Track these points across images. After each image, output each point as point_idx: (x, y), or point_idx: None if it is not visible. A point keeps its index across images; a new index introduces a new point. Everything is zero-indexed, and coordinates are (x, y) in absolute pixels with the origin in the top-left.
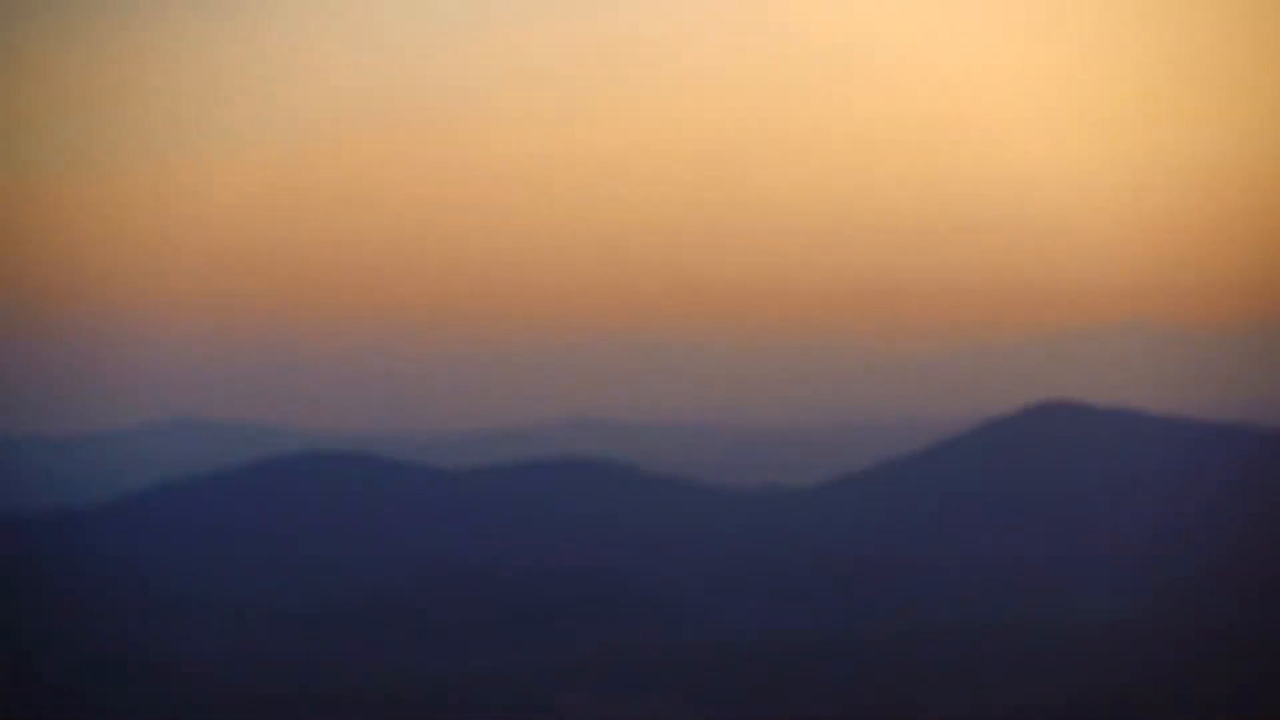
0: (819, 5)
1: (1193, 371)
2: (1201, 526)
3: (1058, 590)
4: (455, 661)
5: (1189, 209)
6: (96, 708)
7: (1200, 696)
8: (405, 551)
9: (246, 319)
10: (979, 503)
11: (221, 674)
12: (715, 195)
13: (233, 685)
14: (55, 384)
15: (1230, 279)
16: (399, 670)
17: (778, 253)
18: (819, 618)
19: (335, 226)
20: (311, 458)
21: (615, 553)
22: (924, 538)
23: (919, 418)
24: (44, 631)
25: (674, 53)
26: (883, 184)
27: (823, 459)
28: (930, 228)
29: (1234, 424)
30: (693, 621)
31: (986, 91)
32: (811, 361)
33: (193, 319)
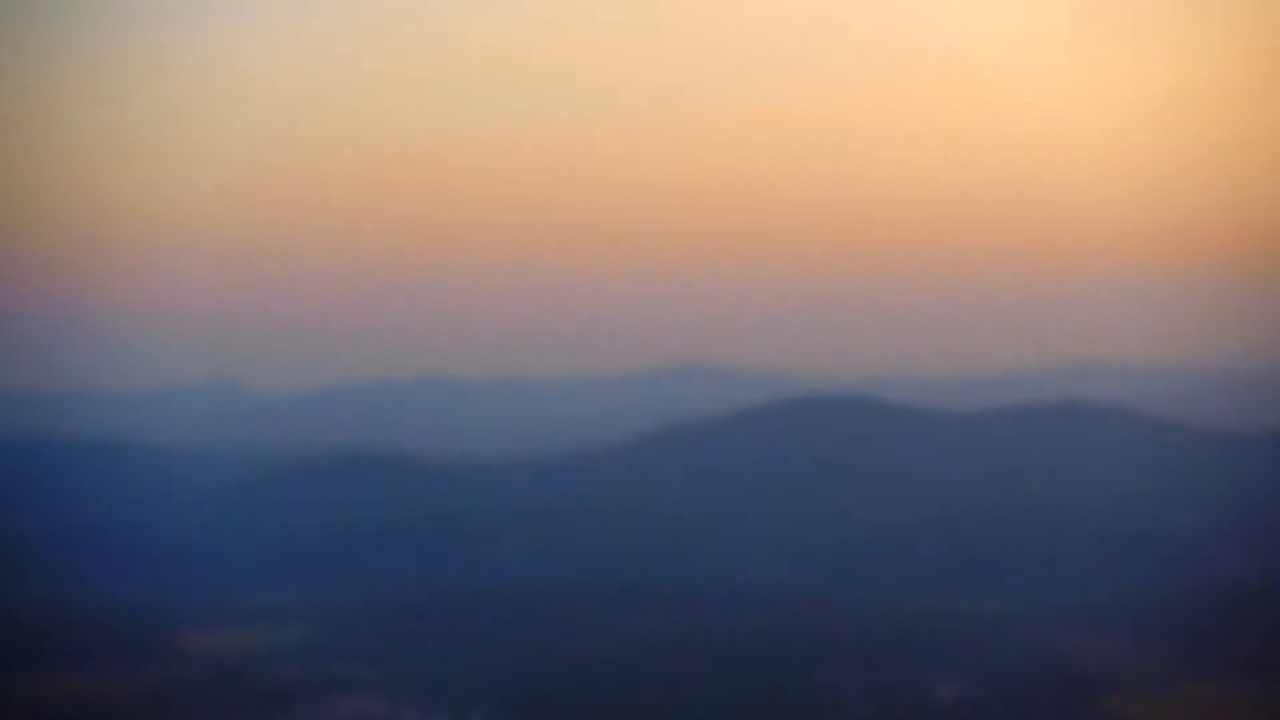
0: None
1: None
2: None
3: None
4: (957, 595)
5: None
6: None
7: None
8: (910, 490)
9: (761, 267)
10: None
11: (727, 605)
12: None
13: (744, 616)
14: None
15: None
16: (900, 608)
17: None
18: None
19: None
20: (815, 402)
21: (1115, 494)
22: None
23: None
24: (555, 564)
25: None
26: None
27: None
28: None
29: None
30: (1196, 564)
31: None
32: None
33: (702, 266)
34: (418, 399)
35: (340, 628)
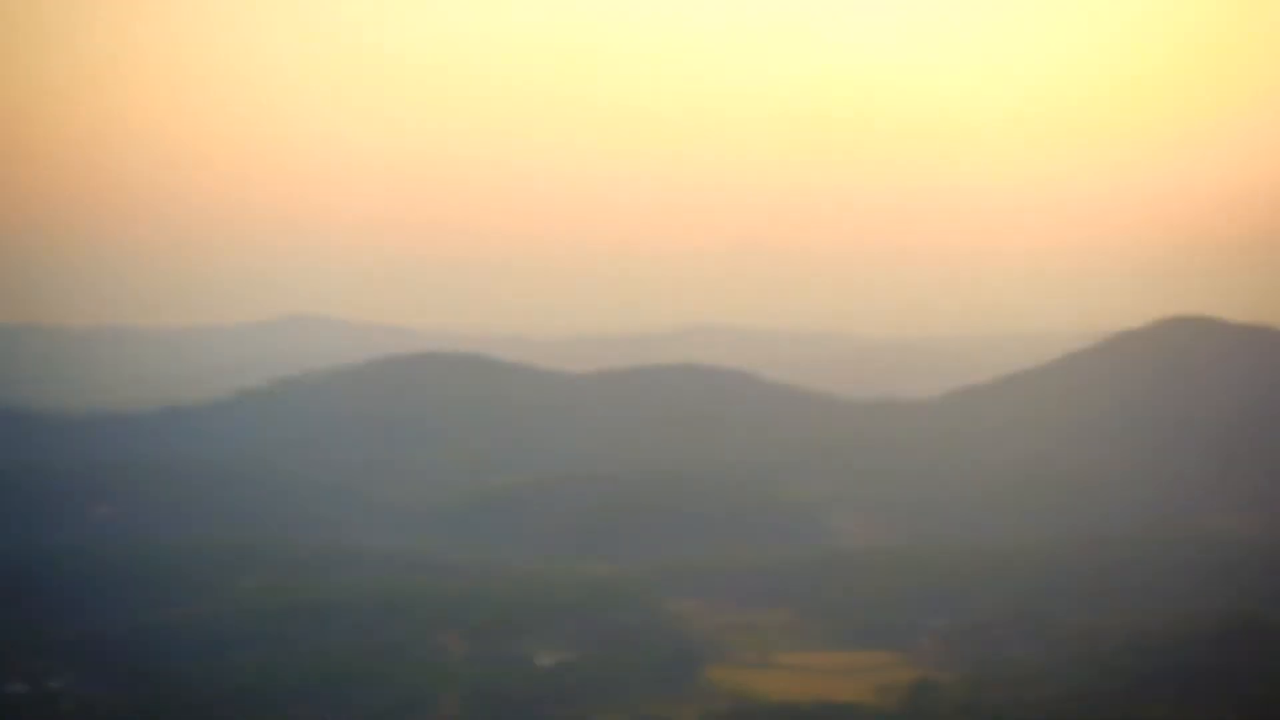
0: None
1: None
2: None
3: (1184, 507)
4: (569, 560)
5: None
6: (212, 592)
7: None
8: (526, 452)
9: (367, 222)
10: (1107, 417)
11: (336, 566)
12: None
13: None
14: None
15: None
16: (514, 568)
17: (894, 167)
18: (943, 528)
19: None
20: (431, 358)
21: (731, 459)
22: (1047, 452)
23: (1047, 330)
24: (156, 523)
25: None
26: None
27: (946, 371)
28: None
29: None
30: (804, 530)
31: None
32: (936, 274)
33: (313, 220)
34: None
35: None
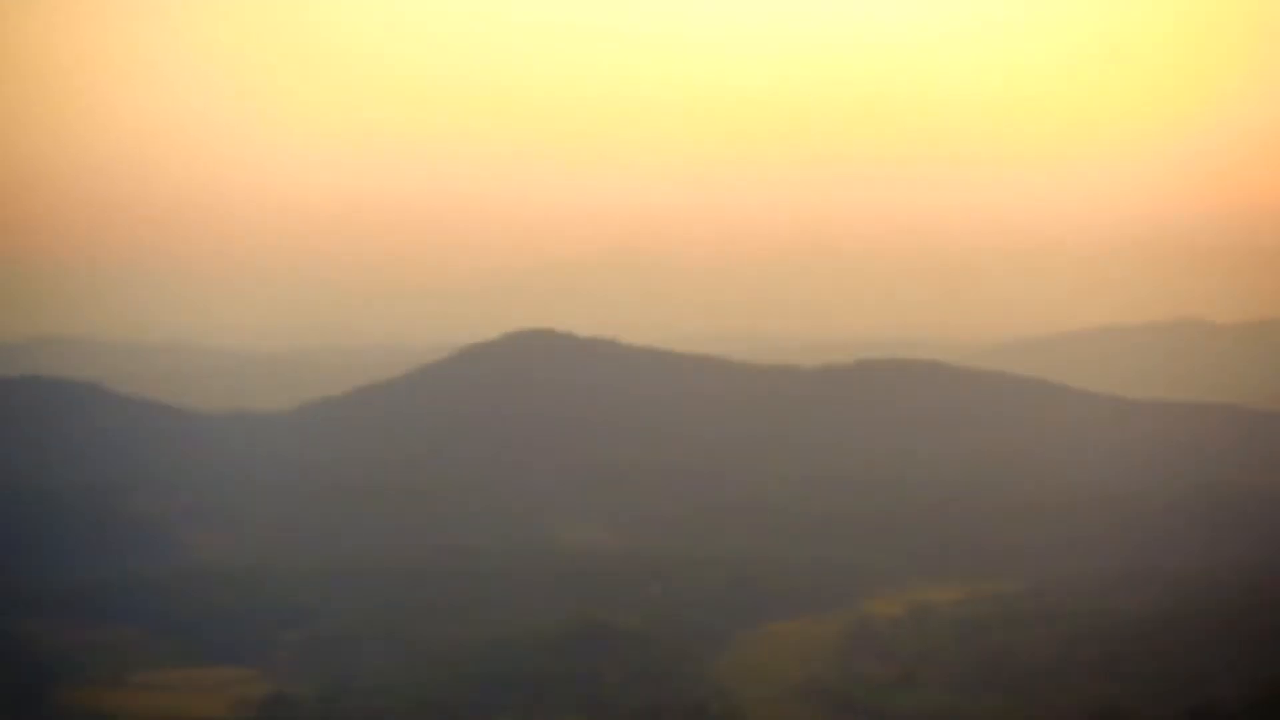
0: None
1: (676, 304)
2: (680, 452)
3: (534, 518)
4: None
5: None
6: None
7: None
8: None
9: None
10: (458, 428)
11: None
12: None
13: None
14: None
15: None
16: None
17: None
18: (298, 541)
19: None
20: None
21: (78, 474)
22: (399, 463)
23: (402, 344)
24: None
25: None
26: None
27: (299, 383)
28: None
29: (715, 357)
30: (167, 547)
31: None
32: (289, 286)
33: None
34: None
35: None
